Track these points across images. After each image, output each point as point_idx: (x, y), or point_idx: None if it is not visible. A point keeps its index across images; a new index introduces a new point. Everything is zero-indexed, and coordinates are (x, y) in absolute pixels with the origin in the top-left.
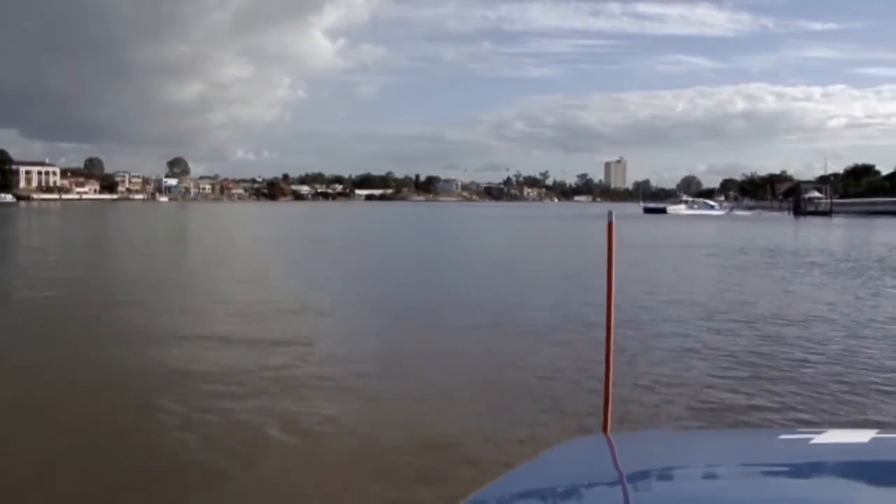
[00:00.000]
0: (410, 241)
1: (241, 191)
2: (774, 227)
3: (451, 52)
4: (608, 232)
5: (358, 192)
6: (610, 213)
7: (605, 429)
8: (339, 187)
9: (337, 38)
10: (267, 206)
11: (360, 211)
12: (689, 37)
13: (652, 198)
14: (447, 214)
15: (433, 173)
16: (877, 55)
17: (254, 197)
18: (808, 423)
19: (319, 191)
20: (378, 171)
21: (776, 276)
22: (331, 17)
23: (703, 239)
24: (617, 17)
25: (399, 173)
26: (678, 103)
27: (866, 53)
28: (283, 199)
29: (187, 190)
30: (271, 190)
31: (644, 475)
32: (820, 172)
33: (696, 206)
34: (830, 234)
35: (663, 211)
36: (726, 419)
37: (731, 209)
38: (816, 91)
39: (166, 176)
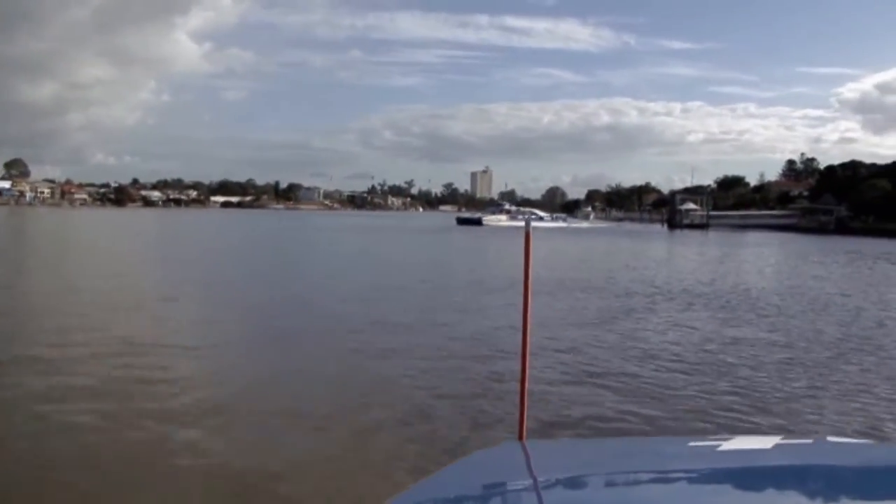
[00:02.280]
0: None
1: (84, 196)
2: (641, 244)
3: (320, 60)
4: (525, 243)
5: (214, 199)
6: (527, 223)
7: (520, 436)
8: (193, 193)
9: (203, 42)
10: (102, 213)
11: (198, 219)
12: (554, 51)
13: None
14: (285, 226)
15: (300, 181)
16: (731, 75)
17: (98, 202)
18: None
19: (172, 197)
20: (243, 177)
21: None
22: (197, 19)
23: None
24: (485, 29)
25: (265, 181)
26: (544, 115)
27: (721, 73)
28: (131, 205)
29: (22, 194)
30: (119, 195)
31: (558, 482)
32: (679, 185)
33: (519, 217)
34: (724, 262)
35: (478, 222)
36: None
37: (566, 219)
38: (676, 107)
39: (1, 178)
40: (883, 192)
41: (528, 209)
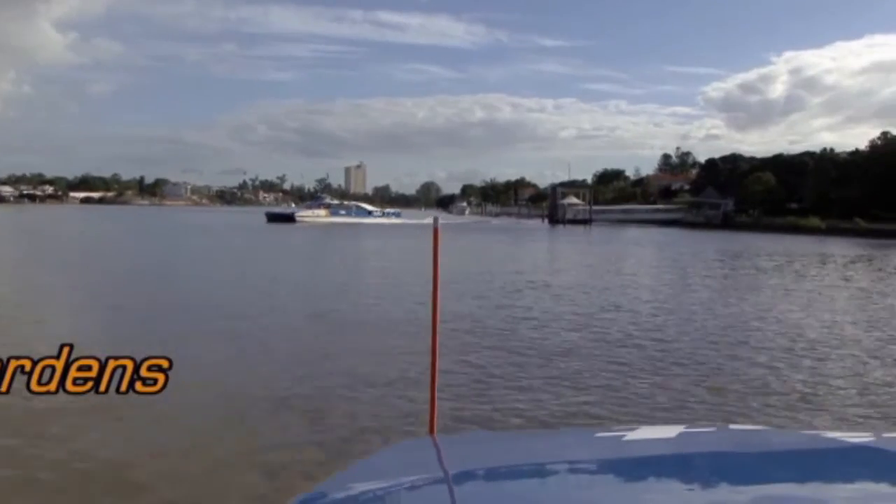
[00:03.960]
0: None
1: None
2: (522, 243)
3: (192, 53)
4: (434, 238)
5: (74, 194)
6: (435, 220)
7: (430, 431)
8: (49, 189)
9: (68, 31)
10: None
11: (42, 217)
12: (428, 46)
13: (391, 203)
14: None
15: (172, 176)
16: (602, 72)
17: None
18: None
19: (26, 192)
20: (111, 173)
21: None
22: (61, 7)
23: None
24: (359, 23)
25: (133, 175)
26: (419, 111)
27: (593, 70)
28: None
29: None
30: None
31: (469, 475)
32: (553, 180)
33: (343, 212)
34: (623, 263)
35: (290, 219)
36: None
37: (399, 215)
38: (549, 103)
39: None
40: (768, 186)
41: (353, 203)
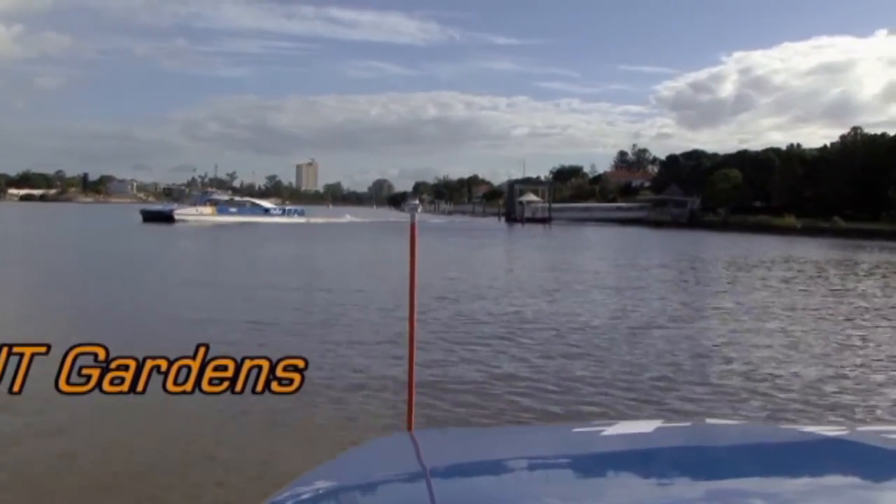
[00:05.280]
0: None
1: None
2: (480, 245)
3: (142, 47)
4: (411, 232)
5: (12, 191)
6: (412, 215)
7: (409, 427)
8: None
9: (13, 23)
10: None
11: None
12: (381, 43)
13: (342, 201)
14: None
15: (121, 173)
16: (555, 71)
17: None
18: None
19: None
20: (55, 169)
21: None
22: None
23: None
24: (310, 20)
25: (81, 172)
26: (372, 108)
27: (546, 69)
28: None
29: None
30: None
31: (447, 471)
32: (506, 178)
33: (233, 210)
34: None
35: (169, 218)
36: None
37: (303, 213)
38: (502, 101)
39: None
40: (735, 183)
41: (246, 199)
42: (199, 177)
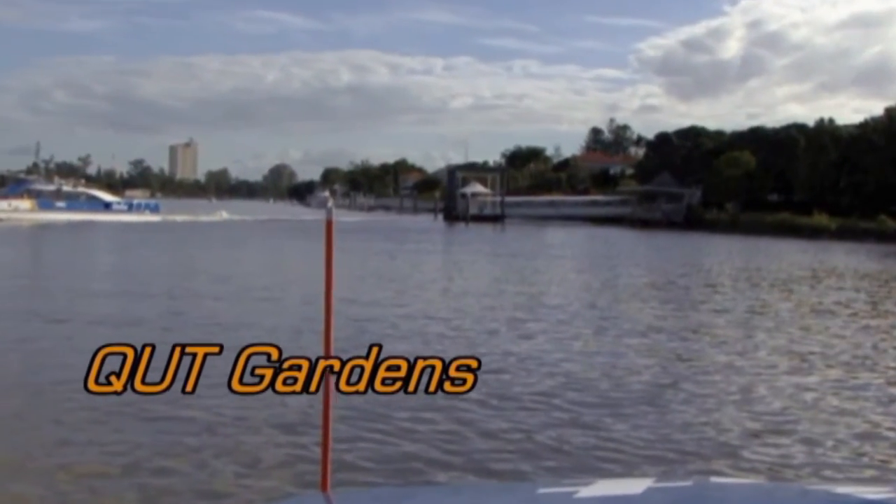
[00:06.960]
0: None
1: None
2: (382, 261)
3: None
4: (327, 238)
5: None
6: (328, 211)
7: (323, 486)
8: None
9: None
10: None
11: None
12: None
13: (230, 193)
14: None
15: None
16: (506, 24)
17: None
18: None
19: None
20: None
21: None
22: None
23: None
24: None
25: None
26: (269, 72)
27: (494, 21)
28: None
29: None
30: None
31: None
32: (443, 163)
33: (61, 205)
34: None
35: None
36: None
37: (157, 208)
38: (438, 63)
39: None
40: (747, 170)
41: (81, 190)
42: (44, 161)
